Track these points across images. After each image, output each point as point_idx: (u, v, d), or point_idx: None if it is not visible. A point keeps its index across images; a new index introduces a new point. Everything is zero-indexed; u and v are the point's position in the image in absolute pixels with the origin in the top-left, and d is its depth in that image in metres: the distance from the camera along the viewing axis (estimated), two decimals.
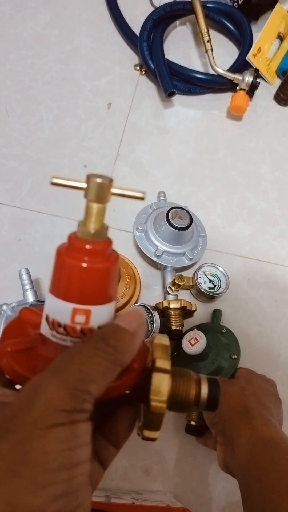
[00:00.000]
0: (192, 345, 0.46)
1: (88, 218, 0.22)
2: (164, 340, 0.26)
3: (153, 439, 0.24)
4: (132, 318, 0.23)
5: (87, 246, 0.21)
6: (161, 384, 0.24)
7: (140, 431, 0.25)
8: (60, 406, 0.19)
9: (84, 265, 0.21)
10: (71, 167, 0.61)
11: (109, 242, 0.22)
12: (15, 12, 0.68)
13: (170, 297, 0.53)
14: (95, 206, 0.22)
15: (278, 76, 0.68)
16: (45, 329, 0.23)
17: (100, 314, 0.22)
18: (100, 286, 0.22)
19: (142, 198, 0.23)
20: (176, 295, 0.54)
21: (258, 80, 0.62)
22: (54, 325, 0.22)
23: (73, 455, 0.19)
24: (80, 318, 0.22)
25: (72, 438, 0.19)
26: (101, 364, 0.20)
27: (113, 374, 0.21)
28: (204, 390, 0.25)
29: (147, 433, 0.24)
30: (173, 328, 0.50)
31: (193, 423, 0.49)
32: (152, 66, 0.63)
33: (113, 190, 0.23)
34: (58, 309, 0.22)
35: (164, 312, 0.51)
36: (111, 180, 0.22)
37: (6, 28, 0.67)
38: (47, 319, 0.22)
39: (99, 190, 0.22)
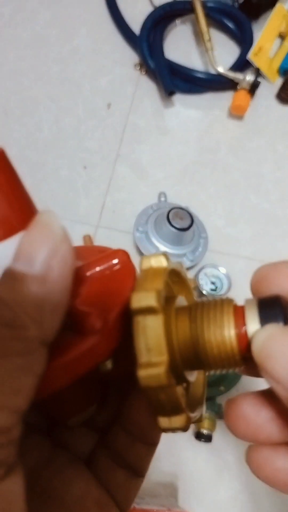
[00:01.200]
0: None
1: None
2: (155, 260, 0.16)
3: (176, 429, 0.15)
4: (31, 244, 0.13)
5: None
6: (146, 334, 0.14)
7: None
8: None
9: None
10: (70, 168, 0.60)
11: None
12: (14, 12, 0.68)
13: None
14: None
15: (279, 75, 0.68)
16: None
17: None
18: None
19: None
20: None
21: (259, 79, 0.62)
22: None
23: None
24: None
25: None
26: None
27: (29, 365, 0.12)
28: (253, 325, 0.15)
29: (163, 422, 0.15)
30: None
31: (205, 431, 0.48)
32: (152, 66, 0.63)
33: None
34: None
35: None
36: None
37: (6, 29, 0.67)
38: None
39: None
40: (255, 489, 0.50)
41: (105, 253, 0.17)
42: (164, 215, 0.53)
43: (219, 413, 0.50)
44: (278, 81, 0.68)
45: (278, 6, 0.68)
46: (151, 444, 0.19)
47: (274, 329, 0.14)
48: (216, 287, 0.54)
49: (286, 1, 0.69)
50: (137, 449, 0.19)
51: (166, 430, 0.15)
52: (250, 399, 0.16)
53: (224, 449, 0.51)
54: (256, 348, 0.14)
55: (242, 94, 0.63)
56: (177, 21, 0.70)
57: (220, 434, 0.51)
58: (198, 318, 0.15)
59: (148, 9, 0.67)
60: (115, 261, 0.17)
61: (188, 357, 0.16)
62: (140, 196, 0.59)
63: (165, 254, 0.16)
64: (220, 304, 0.16)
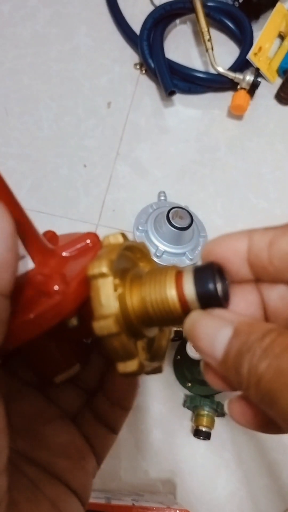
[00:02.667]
0: None
1: None
2: (113, 237, 0.20)
3: (131, 374, 0.18)
4: None
5: None
6: (100, 294, 0.18)
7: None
8: None
9: None
10: (70, 167, 0.61)
11: None
12: (14, 10, 0.68)
13: None
14: None
15: (279, 75, 0.68)
16: None
17: None
18: None
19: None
20: None
21: (259, 79, 0.62)
22: None
23: None
24: None
25: None
26: None
27: None
28: (188, 285, 0.18)
29: (121, 367, 0.18)
30: (174, 328, 0.50)
31: (203, 429, 0.48)
32: (152, 65, 0.63)
33: None
34: None
35: None
36: None
37: (5, 27, 0.67)
38: None
39: None
40: (253, 486, 0.51)
41: (78, 236, 0.21)
42: (164, 214, 0.53)
43: (217, 411, 0.50)
44: (278, 81, 0.68)
45: (278, 6, 0.68)
46: (126, 409, 0.24)
47: (197, 315, 0.18)
48: None
49: (286, 1, 0.70)
50: (115, 412, 0.24)
51: (123, 374, 0.18)
52: None
53: (223, 446, 0.51)
54: (186, 331, 0.18)
55: (241, 94, 0.63)
56: (177, 21, 0.70)
57: (218, 432, 0.51)
58: (147, 281, 0.19)
59: (148, 9, 0.67)
60: (88, 241, 0.21)
61: (141, 316, 0.19)
62: (140, 195, 0.60)
63: (122, 233, 0.20)
64: (165, 270, 0.19)
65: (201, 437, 0.49)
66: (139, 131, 0.64)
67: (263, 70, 0.65)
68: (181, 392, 0.52)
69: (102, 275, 0.18)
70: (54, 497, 0.21)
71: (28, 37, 0.67)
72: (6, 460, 0.18)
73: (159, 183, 0.61)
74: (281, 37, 0.70)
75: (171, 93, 0.62)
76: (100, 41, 0.68)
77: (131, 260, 0.21)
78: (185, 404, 0.51)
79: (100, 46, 0.67)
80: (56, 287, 0.18)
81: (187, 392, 0.52)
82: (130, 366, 0.18)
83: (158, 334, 0.22)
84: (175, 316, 0.18)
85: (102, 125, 0.63)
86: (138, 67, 0.66)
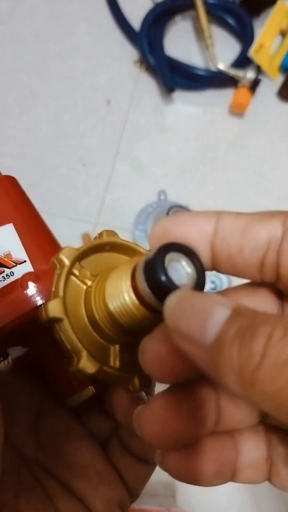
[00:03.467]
0: None
1: None
2: (106, 234, 0.19)
3: (78, 372, 0.17)
4: None
5: None
6: (55, 281, 0.17)
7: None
8: None
9: None
10: (69, 166, 0.60)
11: None
12: (13, 8, 0.67)
13: None
14: None
15: (280, 72, 0.68)
16: None
17: None
18: None
19: None
20: None
21: (260, 77, 0.62)
22: None
23: None
24: None
25: None
26: None
27: None
28: (141, 282, 0.16)
29: (69, 363, 0.17)
30: None
31: None
32: (152, 62, 0.63)
33: None
34: None
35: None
36: None
37: (5, 25, 0.66)
38: None
39: None
40: (254, 489, 0.50)
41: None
42: (163, 213, 0.52)
43: None
44: (279, 79, 0.67)
45: (279, 3, 0.67)
46: (150, 464, 0.23)
47: (187, 292, 0.15)
48: (216, 286, 0.54)
49: None
50: (142, 442, 0.20)
51: (72, 371, 0.17)
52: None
53: None
54: (167, 308, 0.14)
55: (242, 92, 0.62)
56: (178, 18, 0.69)
57: None
58: (110, 278, 0.17)
59: (148, 5, 0.67)
60: None
61: (106, 317, 0.17)
62: (139, 194, 0.59)
63: (109, 231, 0.19)
64: (127, 265, 0.17)
65: None
66: (139, 129, 0.63)
67: (264, 67, 0.65)
68: None
69: (60, 261, 0.17)
70: (67, 510, 0.21)
71: (27, 35, 0.66)
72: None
73: (159, 182, 0.60)
74: (283, 34, 0.69)
75: (171, 90, 0.62)
76: (99, 38, 0.67)
77: (120, 260, 0.20)
78: None
79: (100, 43, 0.67)
80: (29, 279, 0.19)
81: None
82: (77, 362, 0.17)
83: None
84: (140, 316, 0.16)
85: (102, 124, 0.63)
86: (138, 64, 0.66)
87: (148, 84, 0.65)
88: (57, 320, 0.17)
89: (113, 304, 0.17)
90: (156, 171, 0.61)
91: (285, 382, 0.11)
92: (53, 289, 0.17)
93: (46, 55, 0.65)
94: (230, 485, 0.49)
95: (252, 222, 0.16)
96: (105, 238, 0.19)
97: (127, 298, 0.16)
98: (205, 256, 0.16)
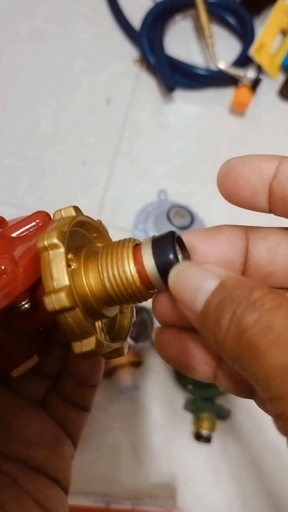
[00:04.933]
0: None
1: None
2: (65, 211, 0.18)
3: (88, 352, 0.17)
4: None
5: None
6: (51, 267, 0.16)
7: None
8: None
9: None
10: (69, 165, 0.60)
11: None
12: (12, 6, 0.67)
13: None
14: None
15: (281, 71, 0.67)
16: None
17: None
18: None
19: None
20: None
21: (260, 76, 0.62)
22: None
23: None
24: None
25: None
26: None
27: None
28: (147, 257, 0.17)
29: (77, 347, 0.17)
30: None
31: (204, 431, 0.48)
32: (153, 61, 0.62)
33: None
34: None
35: None
36: None
37: (3, 23, 0.66)
38: None
39: None
40: (255, 490, 0.50)
41: (28, 216, 0.20)
42: (164, 213, 0.52)
43: (218, 414, 0.49)
44: (280, 78, 0.67)
45: (280, 1, 0.67)
46: (94, 386, 0.23)
47: (184, 265, 0.17)
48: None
49: None
50: (83, 391, 0.23)
51: (80, 355, 0.17)
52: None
53: (224, 450, 0.51)
54: (170, 283, 0.17)
55: (243, 91, 0.62)
56: (178, 17, 0.69)
57: (219, 435, 0.50)
58: (103, 256, 0.18)
59: (148, 4, 0.66)
60: (37, 221, 0.20)
61: (99, 293, 0.18)
62: (139, 193, 0.59)
63: (75, 207, 0.19)
64: (122, 243, 0.18)
65: (201, 440, 0.48)
66: (139, 128, 0.63)
67: (265, 66, 0.65)
68: (181, 395, 0.51)
69: (53, 246, 0.16)
70: (35, 492, 0.21)
71: (26, 33, 0.66)
72: None
73: (159, 182, 0.60)
74: (283, 33, 0.69)
75: (172, 90, 0.62)
76: (99, 37, 0.67)
77: (86, 238, 0.20)
78: (185, 407, 0.50)
79: (99, 42, 0.67)
80: (3, 267, 0.17)
81: (188, 395, 0.51)
82: (86, 345, 0.17)
83: (119, 315, 0.21)
84: (135, 292, 0.17)
85: (101, 123, 0.62)
86: (138, 64, 0.66)
87: (148, 83, 0.65)
88: (68, 310, 0.16)
89: (109, 280, 0.17)
90: (157, 171, 0.61)
91: (242, 349, 0.14)
92: (54, 275, 0.16)
93: (45, 53, 0.65)
94: (231, 487, 0.48)
95: None
96: (79, 217, 0.19)
97: (127, 273, 0.17)
98: (263, 196, 0.18)
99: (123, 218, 0.57)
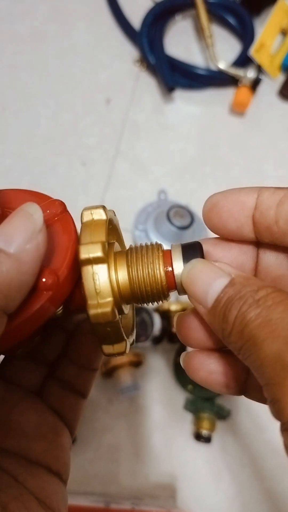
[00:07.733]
0: None
1: None
2: (95, 213, 0.19)
3: (119, 354, 0.18)
4: (13, 227, 0.16)
5: None
6: (95, 280, 0.17)
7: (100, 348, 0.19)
8: None
9: None
10: (69, 165, 0.60)
11: None
12: (12, 6, 0.67)
13: (171, 299, 0.52)
14: None
15: (281, 71, 0.67)
16: None
17: None
18: None
19: None
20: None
21: (260, 76, 0.62)
22: None
23: None
24: None
25: None
26: None
27: None
28: (178, 262, 0.18)
29: (108, 349, 0.18)
30: (175, 331, 0.49)
31: (204, 431, 0.48)
32: (153, 61, 0.62)
33: None
34: None
35: (165, 314, 0.50)
36: None
37: (3, 23, 0.66)
38: None
39: None
40: (255, 490, 0.50)
41: (43, 204, 0.19)
42: (164, 213, 0.52)
43: (218, 414, 0.49)
44: (280, 78, 0.67)
45: (279, 1, 0.67)
46: (94, 370, 0.24)
47: (197, 262, 0.18)
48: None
49: None
50: (84, 375, 0.24)
51: (108, 355, 0.18)
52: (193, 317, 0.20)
53: (224, 450, 0.51)
54: (183, 278, 0.18)
55: (243, 91, 0.62)
56: (178, 17, 0.69)
57: (219, 435, 0.50)
58: (133, 261, 0.19)
59: (148, 4, 0.66)
60: (54, 211, 0.19)
61: (126, 293, 0.19)
62: (139, 193, 0.59)
63: (103, 206, 0.19)
64: (151, 249, 0.19)
65: (201, 440, 0.48)
66: (139, 128, 0.63)
67: (265, 66, 0.65)
68: (181, 395, 0.51)
69: (97, 260, 0.17)
70: (37, 490, 0.21)
71: (26, 33, 0.66)
72: None
73: (159, 182, 0.60)
74: (283, 33, 0.69)
75: (172, 90, 0.62)
76: (99, 37, 0.67)
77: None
78: (185, 407, 0.50)
79: (99, 42, 0.67)
80: (47, 281, 0.16)
81: (188, 395, 0.51)
82: (118, 348, 0.18)
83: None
84: (159, 292, 0.19)
85: (101, 123, 0.62)
86: (138, 64, 0.66)
87: (148, 83, 0.65)
88: (111, 322, 0.17)
89: (139, 281, 0.18)
90: (156, 171, 0.61)
91: (244, 340, 0.16)
92: (99, 289, 0.17)
93: (45, 53, 0.65)
94: (231, 486, 0.48)
95: (285, 197, 0.18)
96: (106, 217, 0.19)
97: (157, 277, 0.18)
98: (247, 229, 0.19)
99: (123, 218, 0.57)
